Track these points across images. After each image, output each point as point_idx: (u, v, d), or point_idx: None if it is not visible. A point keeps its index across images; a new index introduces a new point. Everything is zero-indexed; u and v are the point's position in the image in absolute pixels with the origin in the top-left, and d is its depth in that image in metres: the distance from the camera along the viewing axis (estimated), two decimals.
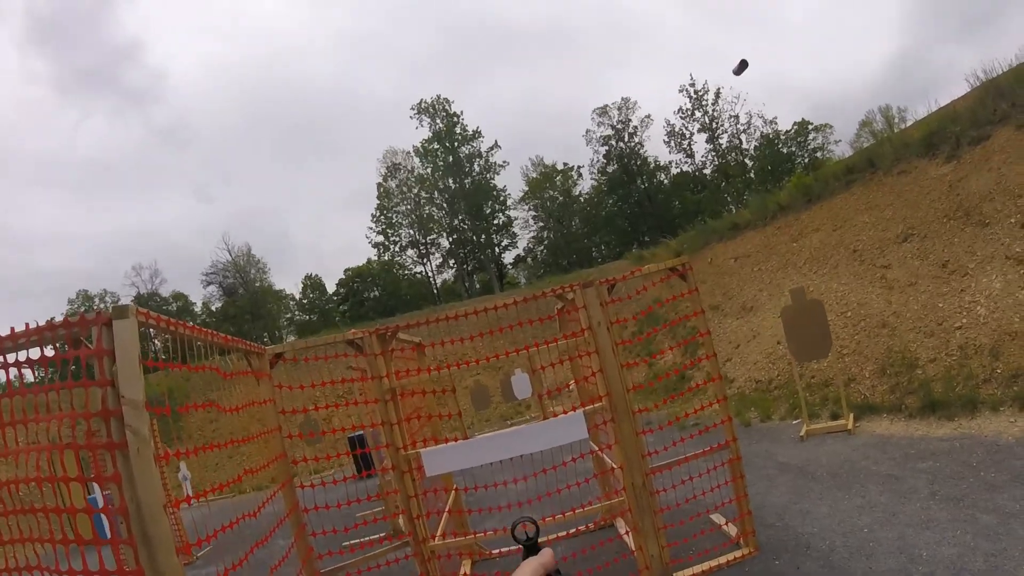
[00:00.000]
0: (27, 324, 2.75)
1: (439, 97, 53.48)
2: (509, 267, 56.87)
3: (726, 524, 5.74)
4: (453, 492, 6.95)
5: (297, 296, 56.00)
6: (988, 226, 9.93)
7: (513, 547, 6.32)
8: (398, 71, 74.63)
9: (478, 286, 53.49)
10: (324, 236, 77.92)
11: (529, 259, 56.17)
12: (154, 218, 68.76)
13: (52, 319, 2.81)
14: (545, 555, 0.86)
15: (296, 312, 55.90)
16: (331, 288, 55.52)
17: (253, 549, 3.30)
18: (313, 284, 55.64)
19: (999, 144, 11.22)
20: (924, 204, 11.89)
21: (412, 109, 53.29)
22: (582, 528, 6.68)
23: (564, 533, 6.32)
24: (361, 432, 12.56)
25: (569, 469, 5.40)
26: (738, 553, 5.18)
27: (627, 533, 6.28)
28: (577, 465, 5.66)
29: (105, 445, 2.64)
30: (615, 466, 5.72)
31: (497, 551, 6.68)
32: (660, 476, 5.29)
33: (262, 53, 76.61)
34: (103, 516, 5.37)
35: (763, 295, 14.54)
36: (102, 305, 45.20)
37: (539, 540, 0.88)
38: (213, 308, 52.27)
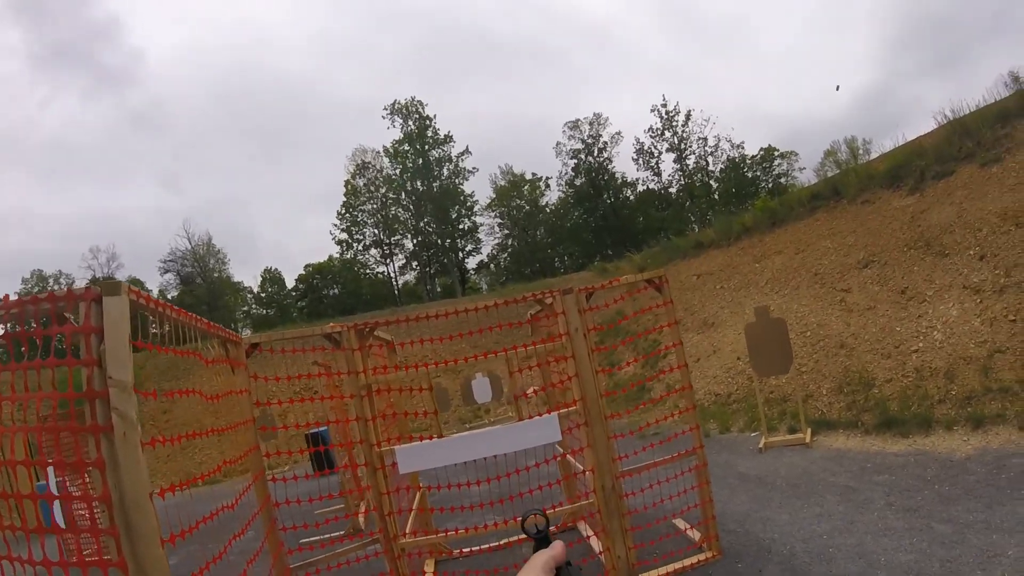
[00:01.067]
0: (6, 296, 2.61)
1: (413, 99, 53.65)
2: (472, 272, 57.02)
3: (689, 529, 5.86)
4: (419, 491, 6.95)
5: (255, 289, 55.23)
6: (947, 256, 10.33)
7: (476, 547, 6.37)
8: (376, 72, 75.03)
9: (439, 289, 53.45)
10: (288, 231, 77.33)
11: (492, 265, 56.41)
12: (117, 202, 67.78)
13: (36, 292, 2.70)
14: (556, 547, 0.85)
15: (253, 305, 54.96)
16: (290, 283, 54.89)
17: (231, 542, 3.25)
18: (272, 278, 54.90)
19: (962, 180, 11.72)
20: (886, 233, 12.32)
21: (385, 109, 53.35)
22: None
23: (520, 539, 6.39)
24: (323, 428, 12.37)
25: (534, 473, 5.45)
26: (701, 556, 5.30)
27: (590, 536, 6.36)
28: (542, 469, 5.72)
29: (89, 428, 2.49)
30: (584, 469, 5.80)
31: (459, 551, 6.69)
32: (627, 481, 5.39)
33: (241, 43, 76.02)
34: (48, 503, 5.14)
35: (724, 312, 14.85)
36: (56, 286, 43.69)
37: (539, 535, 0.87)
38: (169, 296, 51.05)
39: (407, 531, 5.93)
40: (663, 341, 12.88)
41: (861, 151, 46.11)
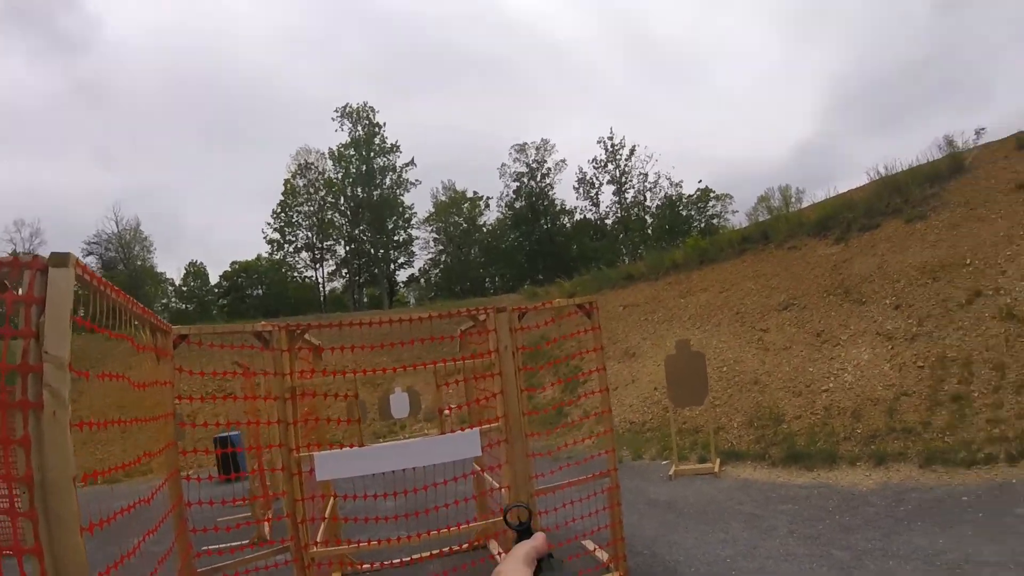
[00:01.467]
0: None
1: (365, 104, 53.00)
2: (401, 286, 56.58)
3: (597, 549, 6.03)
4: (332, 500, 6.89)
5: (177, 282, 53.11)
6: (864, 304, 11.06)
7: (386, 561, 6.34)
8: (332, 72, 73.35)
9: (366, 300, 52.71)
10: (219, 225, 74.67)
11: (423, 280, 56.11)
12: (49, 175, 63.35)
13: None
14: (537, 538, 0.84)
15: (173, 299, 52.78)
16: (214, 279, 53.00)
17: (145, 537, 3.19)
18: (196, 272, 52.92)
19: (886, 233, 12.59)
20: (808, 278, 13.06)
21: (336, 111, 52.57)
22: (456, 548, 6.78)
23: (438, 551, 6.43)
24: (234, 433, 11.87)
25: (448, 489, 5.50)
26: None
27: (499, 554, 6.45)
28: (457, 485, 5.78)
29: (18, 404, 2.37)
30: (499, 486, 5.91)
31: (367, 565, 6.65)
32: (540, 500, 5.52)
33: (202, 27, 72.88)
34: None
35: (646, 344, 15.30)
36: None
37: (521, 528, 0.87)
38: None
39: (318, 541, 5.88)
40: (584, 367, 13.19)
41: (794, 199, 48.78)
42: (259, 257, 52.22)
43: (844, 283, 12.09)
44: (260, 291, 51.31)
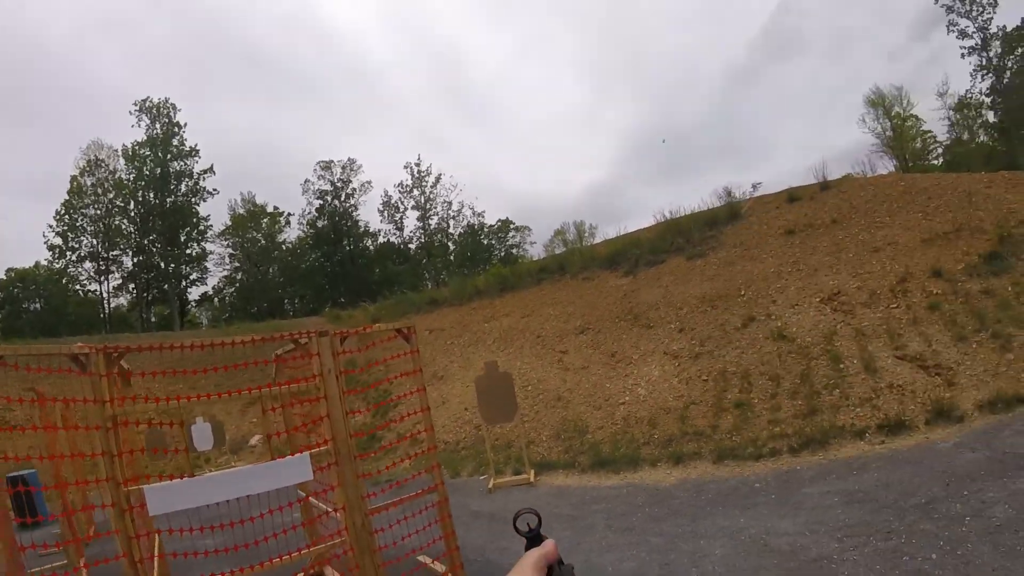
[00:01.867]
0: None
1: (166, 100, 49.01)
2: (193, 304, 52.40)
3: (433, 562, 6.31)
4: (157, 536, 6.49)
5: None
6: (652, 328, 12.51)
7: None
8: (134, 59, 66.06)
9: (154, 319, 47.98)
10: None
11: (217, 300, 52.42)
12: None
13: None
14: (547, 546, 0.84)
15: None
16: None
17: None
18: None
19: (670, 268, 14.37)
20: (602, 306, 14.48)
21: (135, 105, 48.06)
22: None
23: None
24: (29, 471, 10.29)
25: (272, 519, 5.47)
26: None
27: None
28: (282, 515, 5.73)
29: None
30: (330, 510, 6.00)
31: None
32: (374, 519, 5.70)
33: None
34: None
35: (454, 366, 15.88)
36: None
37: (531, 534, 0.87)
38: None
39: None
40: (395, 391, 13.43)
41: (587, 234, 52.97)
42: (37, 265, 45.36)
43: (633, 310, 13.61)
44: (38, 305, 44.34)
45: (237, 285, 52.35)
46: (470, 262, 52.16)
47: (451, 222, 56.14)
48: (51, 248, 45.62)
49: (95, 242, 46.36)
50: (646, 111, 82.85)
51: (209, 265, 51.13)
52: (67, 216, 45.77)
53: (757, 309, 11.44)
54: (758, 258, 13.25)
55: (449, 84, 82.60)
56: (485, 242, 56.41)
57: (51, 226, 45.52)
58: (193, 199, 49.60)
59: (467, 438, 12.42)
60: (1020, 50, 41.37)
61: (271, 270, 52.95)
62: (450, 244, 56.12)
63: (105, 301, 47.69)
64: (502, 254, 54.87)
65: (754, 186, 22.37)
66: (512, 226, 57.82)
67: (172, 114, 49.03)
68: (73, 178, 46.14)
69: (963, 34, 43.49)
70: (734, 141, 74.04)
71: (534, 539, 0.86)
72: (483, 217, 56.71)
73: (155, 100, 48.79)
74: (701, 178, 70.87)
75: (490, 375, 9.97)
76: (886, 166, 34.34)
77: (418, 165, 55.28)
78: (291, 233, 55.18)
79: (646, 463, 8.88)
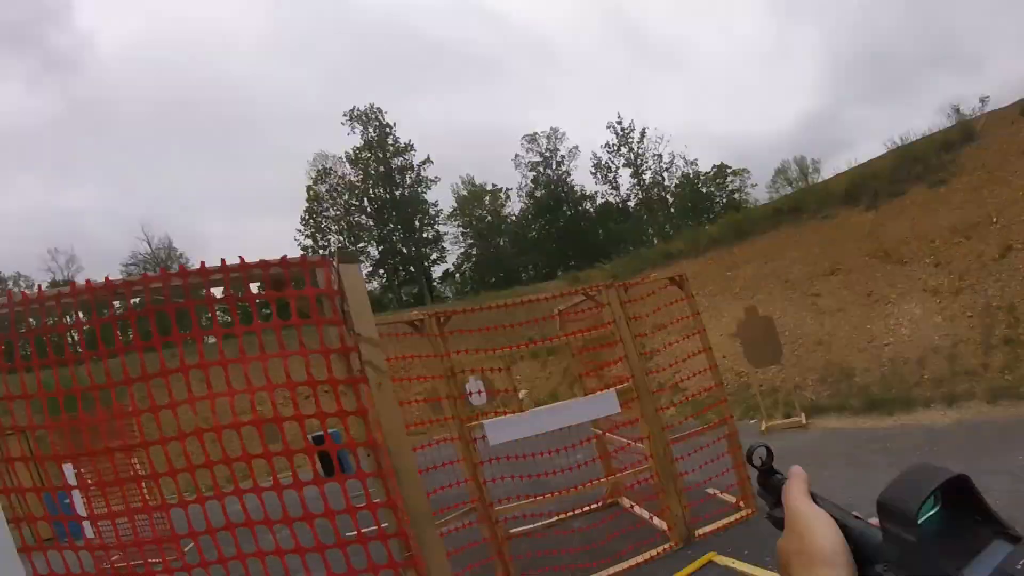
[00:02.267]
0: (223, 260, 2.79)
1: (372, 106, 53.48)
2: (437, 281, 57.26)
3: (720, 493, 6.77)
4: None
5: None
6: (906, 264, 11.80)
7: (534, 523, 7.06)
8: (324, 77, 73.36)
9: (404, 298, 53.51)
10: (240, 235, 74.77)
11: (458, 275, 56.82)
12: (64, 200, 63.67)
13: (263, 259, 2.81)
14: (799, 473, 0.73)
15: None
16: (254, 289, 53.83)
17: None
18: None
19: (912, 199, 13.33)
20: (848, 244, 13.76)
21: (345, 115, 53.07)
22: (588, 507, 7.49)
23: (575, 511, 7.18)
24: (333, 430, 12.25)
25: (567, 455, 6.12)
26: (741, 514, 6.21)
27: (633, 507, 7.21)
28: (575, 453, 6.34)
29: (350, 380, 2.74)
30: (629, 442, 6.68)
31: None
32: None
33: (188, 40, 72.79)
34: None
35: (704, 316, 15.90)
36: (16, 287, 41.53)
37: (764, 467, 0.78)
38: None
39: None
40: (648, 345, 13.71)
41: (811, 169, 48.95)
42: None
43: (883, 246, 12.78)
44: None
45: (473, 260, 56.24)
46: (692, 213, 50.99)
47: (664, 175, 55.37)
48: (304, 249, 51.59)
49: (341, 239, 52.61)
50: (837, 25, 73.01)
51: (445, 244, 55.70)
52: (311, 220, 52.39)
53: (1013, 237, 10.34)
54: (1004, 181, 11.80)
55: (627, 35, 79.62)
56: (704, 191, 54.72)
57: (300, 230, 52.43)
58: (419, 188, 54.10)
59: (729, 385, 12.58)
60: None
61: (501, 242, 56.09)
62: (668, 197, 55.28)
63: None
64: (724, 200, 52.79)
65: (982, 100, 19.40)
66: (729, 170, 55.17)
67: (381, 117, 53.32)
68: (309, 187, 52.41)
69: None
70: (946, 47, 62.21)
71: (768, 471, 0.80)
72: (696, 165, 55.05)
73: (361, 107, 53.18)
74: (917, 95, 61.30)
75: (751, 320, 10.13)
76: None
77: (619, 123, 54.92)
78: (514, 207, 57.75)
79: (919, 404, 8.69)
